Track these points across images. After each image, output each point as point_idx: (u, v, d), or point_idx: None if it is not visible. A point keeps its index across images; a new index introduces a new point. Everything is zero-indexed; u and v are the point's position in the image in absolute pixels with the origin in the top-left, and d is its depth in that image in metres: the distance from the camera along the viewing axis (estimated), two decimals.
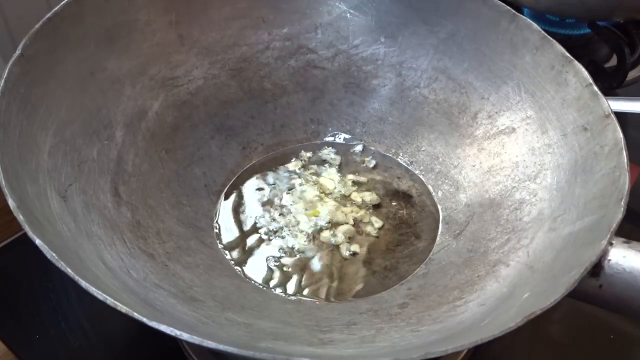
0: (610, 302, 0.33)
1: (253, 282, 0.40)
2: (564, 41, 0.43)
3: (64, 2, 0.38)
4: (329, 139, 0.50)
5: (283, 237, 0.43)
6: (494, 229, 0.41)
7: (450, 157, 0.47)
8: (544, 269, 0.35)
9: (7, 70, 0.34)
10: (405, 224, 0.45)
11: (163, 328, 0.26)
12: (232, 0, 0.48)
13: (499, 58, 0.45)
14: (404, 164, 0.49)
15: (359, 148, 0.50)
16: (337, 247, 0.43)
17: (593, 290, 0.33)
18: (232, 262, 0.41)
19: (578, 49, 0.46)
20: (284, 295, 0.40)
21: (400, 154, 0.49)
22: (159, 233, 0.39)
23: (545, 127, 0.42)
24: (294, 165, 0.48)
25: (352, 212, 0.45)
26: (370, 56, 0.50)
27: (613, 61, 0.59)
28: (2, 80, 0.33)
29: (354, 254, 0.42)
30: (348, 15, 0.50)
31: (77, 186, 0.36)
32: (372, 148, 0.50)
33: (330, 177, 0.47)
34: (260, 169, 0.48)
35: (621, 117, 0.38)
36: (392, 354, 0.31)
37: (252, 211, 0.45)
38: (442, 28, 0.48)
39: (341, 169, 0.48)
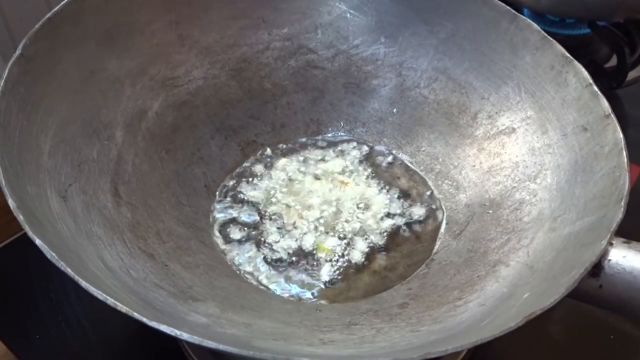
0: (610, 302, 0.33)
1: (253, 282, 0.40)
2: (564, 41, 0.43)
3: (64, 2, 0.38)
4: (328, 139, 0.50)
5: (283, 236, 0.43)
6: (494, 229, 0.41)
7: (450, 157, 0.47)
8: (544, 269, 0.35)
9: (7, 70, 0.34)
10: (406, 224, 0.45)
11: (163, 328, 0.26)
12: (232, 1, 0.48)
13: (499, 58, 0.45)
14: (404, 163, 0.49)
15: (358, 148, 0.50)
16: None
17: (593, 290, 0.33)
18: (232, 262, 0.41)
19: (578, 49, 0.46)
20: (284, 295, 0.40)
21: (400, 154, 0.49)
22: (159, 233, 0.39)
23: (545, 127, 0.42)
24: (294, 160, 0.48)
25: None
26: (370, 56, 0.50)
27: (613, 61, 0.59)
28: (2, 80, 0.33)
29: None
30: (348, 15, 0.50)
31: (77, 186, 0.36)
32: (373, 148, 0.50)
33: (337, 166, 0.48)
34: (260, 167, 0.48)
35: (621, 117, 0.39)
36: (392, 354, 0.31)
37: (252, 210, 0.45)
38: (442, 28, 0.48)
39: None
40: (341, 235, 0.43)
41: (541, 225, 0.38)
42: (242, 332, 0.33)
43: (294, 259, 0.42)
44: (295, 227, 0.43)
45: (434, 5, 0.47)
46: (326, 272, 0.41)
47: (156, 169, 0.43)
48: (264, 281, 0.40)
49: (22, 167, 0.32)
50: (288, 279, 0.41)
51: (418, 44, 0.49)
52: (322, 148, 0.49)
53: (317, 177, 0.47)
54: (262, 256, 0.42)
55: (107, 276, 0.31)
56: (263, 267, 0.41)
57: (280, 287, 0.40)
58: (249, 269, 0.41)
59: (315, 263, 0.42)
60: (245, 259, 0.41)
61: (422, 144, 0.49)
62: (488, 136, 0.46)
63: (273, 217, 0.44)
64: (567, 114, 0.41)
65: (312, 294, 0.40)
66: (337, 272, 0.41)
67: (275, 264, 0.41)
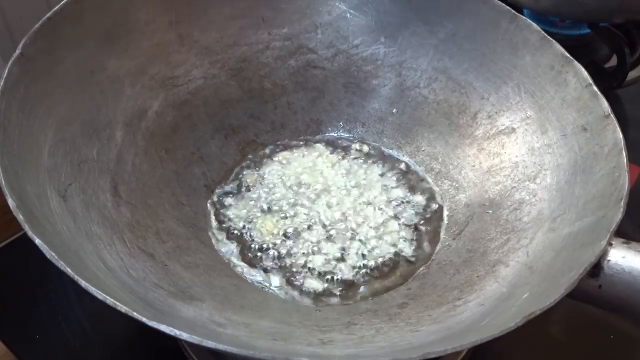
0: (610, 302, 0.33)
1: (253, 282, 0.40)
2: (564, 41, 0.43)
3: (64, 2, 0.38)
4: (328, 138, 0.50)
5: (282, 236, 0.43)
6: (494, 229, 0.41)
7: (450, 157, 0.47)
8: (544, 269, 0.35)
9: (7, 70, 0.34)
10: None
11: (163, 328, 0.26)
12: (232, 0, 0.48)
13: (498, 58, 0.45)
14: (405, 163, 0.49)
15: (358, 148, 0.50)
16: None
17: (593, 290, 0.33)
18: (232, 262, 0.41)
19: (578, 49, 0.46)
20: (283, 295, 0.40)
21: (400, 154, 0.49)
22: (159, 233, 0.39)
23: (545, 127, 0.42)
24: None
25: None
26: (370, 56, 0.50)
27: (613, 61, 0.59)
28: (2, 80, 0.33)
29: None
30: (348, 15, 0.50)
31: (77, 186, 0.36)
32: (373, 147, 0.50)
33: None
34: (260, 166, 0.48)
35: (621, 117, 0.39)
36: (392, 354, 0.31)
37: (252, 210, 0.45)
38: (442, 28, 0.48)
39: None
40: (342, 236, 0.43)
41: (541, 226, 0.38)
42: (242, 332, 0.33)
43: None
44: (296, 230, 0.43)
45: (434, 5, 0.47)
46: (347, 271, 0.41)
47: (156, 169, 0.43)
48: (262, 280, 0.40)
49: (22, 167, 0.32)
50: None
51: (418, 44, 0.49)
52: (321, 148, 0.49)
53: (317, 177, 0.47)
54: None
55: (107, 276, 0.31)
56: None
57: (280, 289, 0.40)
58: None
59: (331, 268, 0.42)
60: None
61: (421, 144, 0.49)
62: (488, 136, 0.46)
63: (270, 219, 0.44)
64: (567, 114, 0.41)
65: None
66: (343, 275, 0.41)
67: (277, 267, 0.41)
